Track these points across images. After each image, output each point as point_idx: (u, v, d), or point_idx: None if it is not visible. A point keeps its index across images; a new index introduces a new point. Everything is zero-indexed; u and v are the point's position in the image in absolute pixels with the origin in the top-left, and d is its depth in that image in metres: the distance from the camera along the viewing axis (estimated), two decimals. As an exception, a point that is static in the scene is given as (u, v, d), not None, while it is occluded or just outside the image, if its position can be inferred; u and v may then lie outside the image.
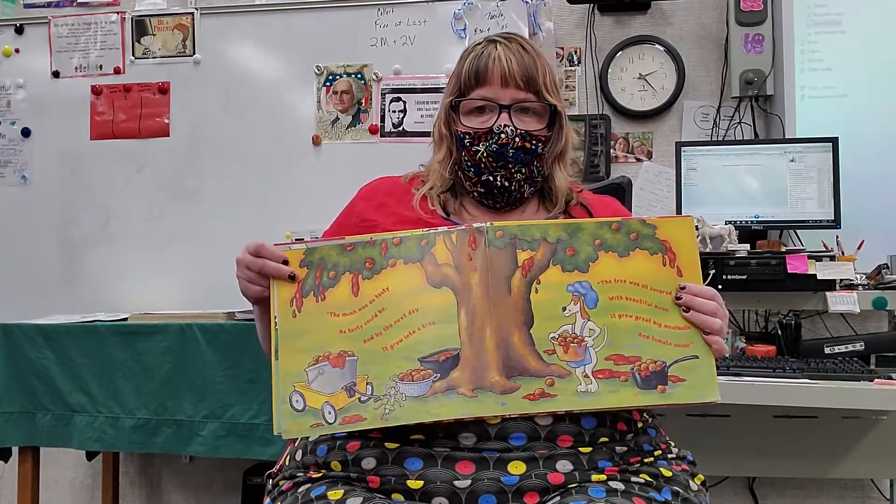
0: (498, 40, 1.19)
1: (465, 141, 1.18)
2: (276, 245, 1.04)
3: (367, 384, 0.98)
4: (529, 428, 0.97)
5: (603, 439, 1.00)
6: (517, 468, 0.95)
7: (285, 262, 1.03)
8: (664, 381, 0.97)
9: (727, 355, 0.94)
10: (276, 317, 1.02)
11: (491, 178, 1.19)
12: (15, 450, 2.16)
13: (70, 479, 2.86)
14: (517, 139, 1.17)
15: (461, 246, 1.01)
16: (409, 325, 0.99)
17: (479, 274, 1.00)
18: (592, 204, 1.26)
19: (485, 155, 1.17)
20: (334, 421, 0.97)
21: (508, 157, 1.17)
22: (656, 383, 0.97)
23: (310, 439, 1.06)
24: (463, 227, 1.02)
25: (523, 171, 1.19)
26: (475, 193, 1.22)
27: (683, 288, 0.99)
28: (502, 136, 1.16)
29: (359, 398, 0.97)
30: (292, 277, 1.02)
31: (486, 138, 1.17)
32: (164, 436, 2.02)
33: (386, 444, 0.99)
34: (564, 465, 0.96)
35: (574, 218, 1.21)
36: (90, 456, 2.59)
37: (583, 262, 1.00)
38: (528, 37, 2.50)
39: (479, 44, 1.21)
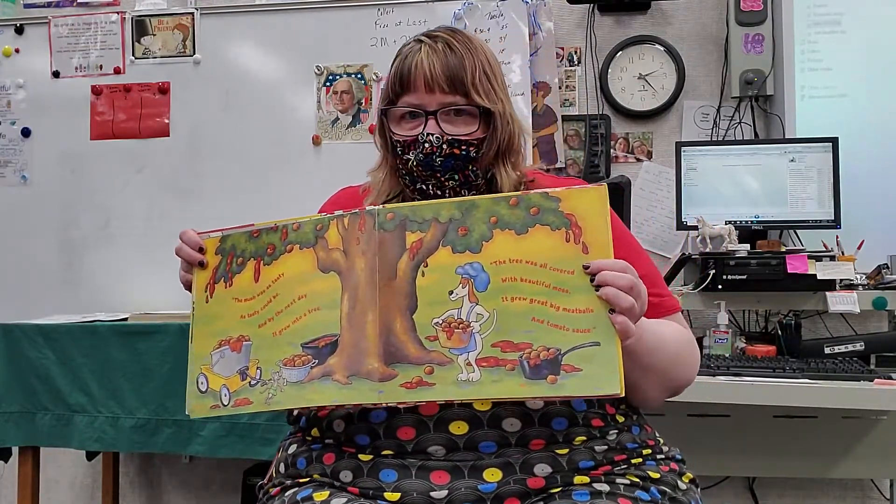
0: (423, 40, 1.12)
1: (398, 149, 1.13)
2: (200, 233, 1.07)
3: (257, 368, 0.99)
4: (498, 435, 0.95)
5: (579, 439, 0.98)
6: (493, 475, 0.94)
7: (202, 250, 1.05)
8: (556, 370, 0.86)
9: (631, 340, 0.88)
10: (193, 302, 1.06)
11: (424, 188, 1.13)
12: (15, 450, 2.16)
13: (70, 479, 2.86)
14: (444, 146, 1.10)
15: (351, 230, 0.97)
16: (297, 311, 0.98)
17: (365, 258, 0.95)
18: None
19: (414, 164, 1.11)
20: (228, 403, 1.00)
21: (436, 166, 1.10)
22: (547, 373, 0.86)
23: (288, 452, 1.07)
24: (355, 211, 0.98)
25: (456, 177, 1.12)
26: (416, 199, 1.17)
27: (588, 267, 0.88)
28: (426, 145, 1.09)
29: (249, 382, 0.99)
30: (202, 264, 1.05)
31: (413, 147, 1.11)
32: (164, 436, 2.02)
33: (360, 456, 0.99)
34: (543, 469, 0.95)
35: None
36: (90, 456, 2.59)
37: (475, 241, 0.92)
38: (526, 37, 2.52)
39: (407, 45, 1.14)
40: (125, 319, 2.25)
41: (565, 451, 0.96)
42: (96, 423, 2.05)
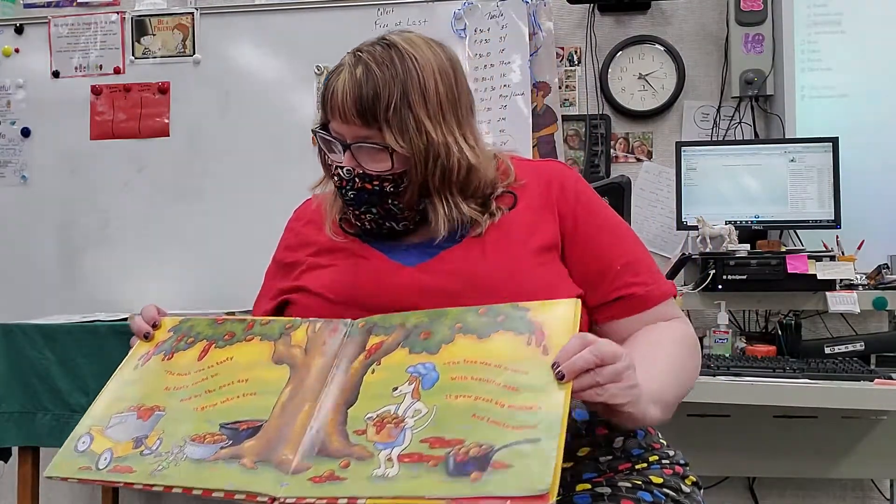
0: (347, 61, 1.03)
1: (331, 172, 1.08)
2: (170, 314, 1.06)
3: (157, 439, 0.91)
4: None
5: (584, 450, 0.96)
6: None
7: (155, 325, 1.04)
8: (483, 466, 0.74)
9: (647, 422, 0.83)
10: (120, 366, 1.03)
11: (352, 216, 1.07)
12: (15, 450, 2.16)
13: (70, 479, 2.86)
14: (356, 180, 1.02)
15: (320, 333, 0.94)
16: (231, 392, 0.92)
17: (323, 358, 0.91)
18: (528, 185, 1.08)
19: (340, 192, 1.06)
20: (105, 467, 0.92)
21: (348, 200, 1.04)
22: (472, 469, 0.75)
23: None
24: (330, 320, 0.95)
25: (373, 211, 1.04)
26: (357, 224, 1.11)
27: (556, 365, 0.77)
28: (335, 178, 1.04)
29: (141, 451, 0.91)
30: (146, 336, 1.04)
31: (334, 176, 1.05)
32: (164, 436, 2.02)
33: None
34: None
35: (498, 208, 1.06)
36: (90, 456, 2.59)
37: (435, 344, 0.86)
38: (527, 37, 2.51)
39: (337, 65, 1.06)
40: (125, 319, 2.24)
41: (569, 464, 0.95)
42: (96, 424, 2.04)
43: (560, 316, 0.83)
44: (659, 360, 0.95)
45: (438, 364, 0.84)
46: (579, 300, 0.83)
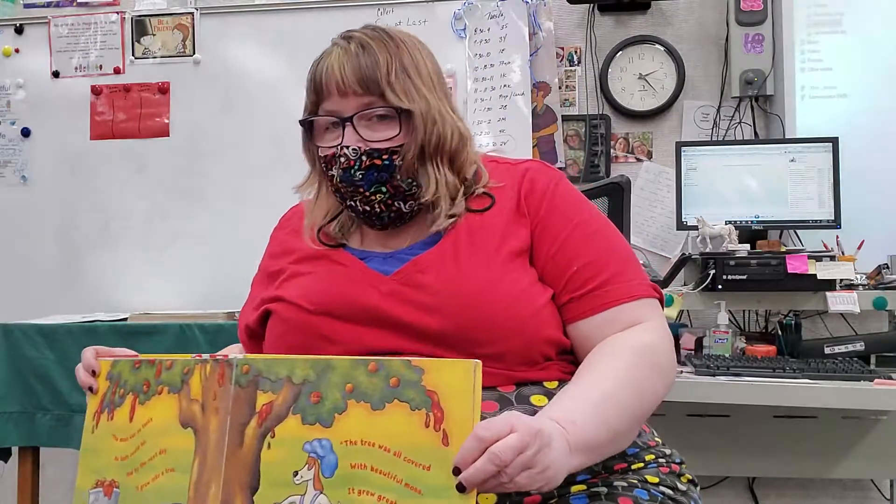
0: (337, 42, 1.04)
1: (322, 165, 1.05)
2: (101, 355, 1.04)
3: None
4: None
5: None
6: (487, 499, 0.89)
7: (94, 373, 1.02)
8: None
9: (554, 485, 0.80)
10: (84, 428, 1.02)
11: (353, 204, 1.04)
12: (15, 450, 2.16)
13: (70, 479, 2.85)
14: (364, 158, 1.00)
15: (211, 380, 0.89)
16: (156, 468, 0.91)
17: (218, 417, 0.86)
18: (505, 185, 1.06)
19: (338, 180, 1.02)
20: None
21: (357, 181, 1.01)
22: None
23: None
24: (217, 358, 0.90)
25: (383, 189, 1.02)
26: (353, 217, 1.09)
27: (457, 472, 0.73)
28: (342, 159, 1.01)
29: None
30: (91, 389, 1.02)
31: (334, 162, 1.02)
32: (163, 436, 2.02)
33: None
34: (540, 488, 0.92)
35: (472, 210, 1.04)
36: (90, 456, 2.59)
37: (327, 412, 0.80)
38: (527, 37, 2.52)
39: (323, 51, 1.06)
40: (125, 319, 2.24)
41: None
42: (96, 424, 2.05)
43: (457, 386, 0.76)
44: (596, 393, 0.89)
45: (335, 443, 0.80)
46: (479, 362, 0.76)
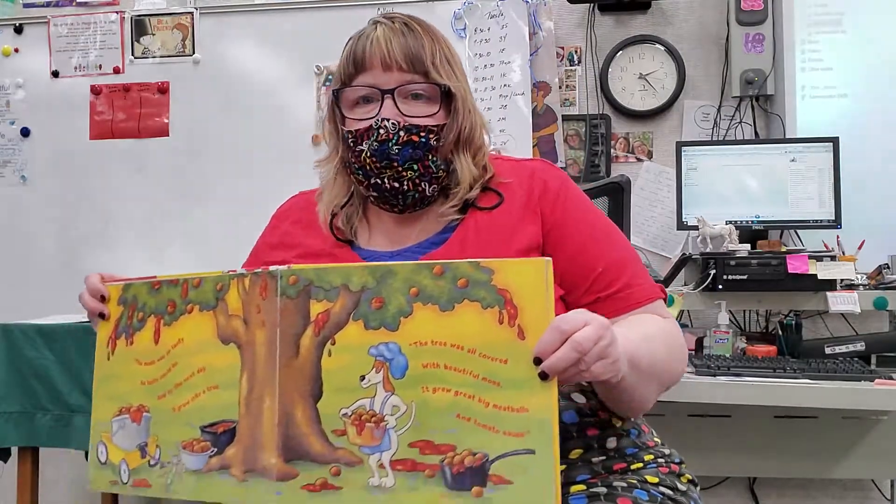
0: (379, 21, 1.05)
1: (349, 140, 1.04)
2: (106, 279, 1.00)
3: (156, 447, 0.90)
4: None
5: (576, 452, 0.95)
6: None
7: (104, 299, 0.99)
8: (482, 480, 0.73)
9: (619, 379, 0.82)
10: (96, 359, 0.98)
11: (379, 181, 1.03)
12: (14, 450, 2.16)
13: (70, 479, 2.86)
14: (402, 133, 1.00)
15: (252, 294, 0.86)
16: (196, 386, 0.88)
17: (265, 330, 0.84)
18: (511, 183, 1.07)
19: (368, 155, 1.01)
20: (127, 481, 0.91)
21: (392, 155, 1.01)
22: (471, 483, 0.73)
23: None
24: (257, 271, 0.87)
25: (415, 167, 1.02)
26: (371, 198, 1.08)
27: (538, 362, 0.74)
28: (381, 131, 1.00)
29: (149, 461, 0.90)
30: (102, 315, 0.98)
31: (367, 135, 1.01)
32: (163, 436, 2.01)
33: None
34: None
35: (481, 209, 1.04)
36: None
37: (392, 317, 0.79)
38: (527, 36, 2.51)
39: (362, 28, 1.07)
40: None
41: (562, 467, 0.93)
42: (96, 424, 2.04)
43: (530, 283, 0.76)
44: (639, 330, 0.94)
45: (403, 346, 0.79)
46: (549, 259, 0.77)
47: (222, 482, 0.83)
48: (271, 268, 0.86)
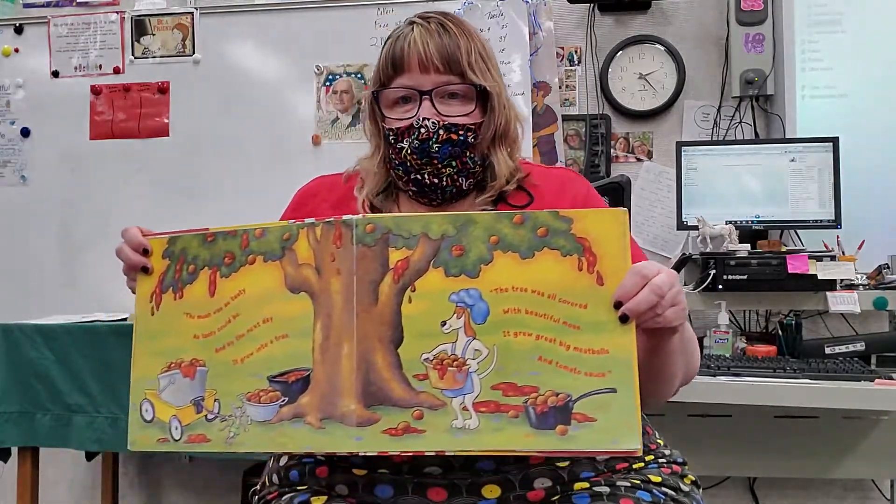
0: (416, 21, 1.08)
1: (390, 138, 1.07)
2: (146, 233, 0.97)
3: (214, 400, 0.87)
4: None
5: None
6: (492, 492, 0.93)
7: (146, 252, 0.96)
8: (566, 419, 0.76)
9: (681, 326, 0.86)
10: (136, 314, 0.95)
11: (419, 177, 1.07)
12: (14, 450, 2.16)
13: (69, 479, 2.86)
14: (441, 132, 1.04)
15: (325, 243, 0.85)
16: (262, 337, 0.86)
17: (341, 278, 0.83)
18: (540, 186, 1.10)
19: (409, 152, 1.05)
20: (180, 438, 0.88)
21: (433, 152, 1.04)
22: (555, 422, 0.76)
23: (280, 463, 1.05)
24: (330, 220, 0.85)
25: (454, 164, 1.06)
26: (409, 192, 1.11)
27: (618, 305, 0.78)
28: (422, 130, 1.03)
29: (206, 416, 0.87)
30: (145, 269, 0.95)
31: (408, 134, 1.04)
32: (163, 436, 2.01)
33: (354, 470, 0.97)
34: (543, 482, 0.93)
35: (512, 206, 1.07)
36: (90, 456, 2.58)
37: (472, 264, 0.81)
38: (527, 36, 2.51)
39: (398, 28, 1.09)
40: (125, 319, 2.24)
41: (566, 464, 0.95)
42: (96, 424, 2.04)
43: (608, 232, 0.80)
44: None
45: (484, 292, 0.80)
46: (626, 210, 0.81)
47: (295, 430, 0.82)
48: (344, 217, 0.85)
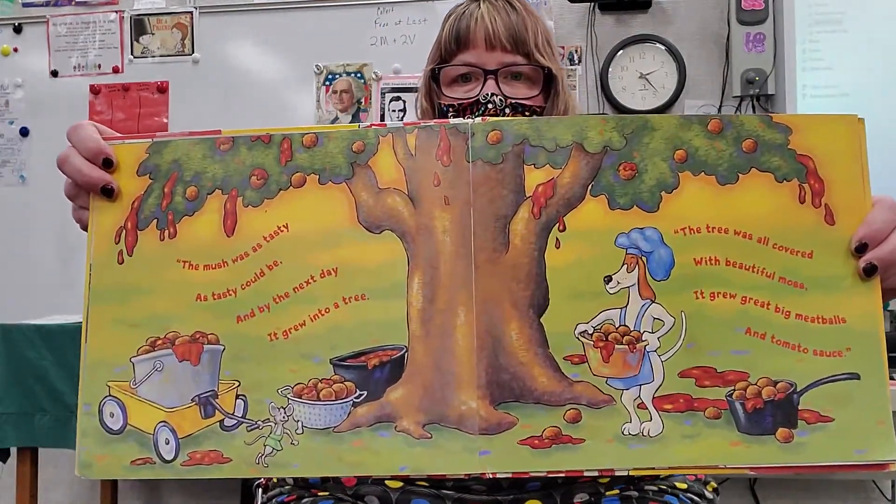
0: (481, 1, 1.02)
1: (449, 115, 1.00)
2: (110, 138, 0.66)
3: (237, 397, 0.58)
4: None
5: None
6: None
7: (109, 165, 0.65)
8: (791, 420, 0.54)
9: None
10: (90, 264, 0.63)
11: None
12: (14, 450, 2.15)
13: (69, 479, 2.86)
14: (507, 110, 0.98)
15: (424, 157, 0.59)
16: (318, 299, 0.58)
17: (451, 211, 0.58)
18: None
19: None
20: (174, 458, 0.58)
21: None
22: (775, 424, 0.54)
23: None
24: (430, 124, 0.60)
25: None
26: None
27: (861, 249, 0.56)
28: (489, 106, 0.96)
29: (222, 422, 0.58)
30: (108, 191, 0.65)
31: (471, 111, 0.98)
32: (163, 437, 2.01)
33: (387, 482, 0.89)
34: (581, 497, 0.92)
35: None
36: (89, 456, 2.58)
37: (649, 191, 0.57)
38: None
39: (461, 4, 1.04)
40: (124, 320, 2.24)
41: (606, 479, 0.94)
42: (95, 424, 2.04)
43: (840, 148, 0.59)
44: None
45: (667, 233, 0.57)
46: (862, 117, 0.59)
47: (383, 443, 0.55)
48: (453, 120, 0.60)
